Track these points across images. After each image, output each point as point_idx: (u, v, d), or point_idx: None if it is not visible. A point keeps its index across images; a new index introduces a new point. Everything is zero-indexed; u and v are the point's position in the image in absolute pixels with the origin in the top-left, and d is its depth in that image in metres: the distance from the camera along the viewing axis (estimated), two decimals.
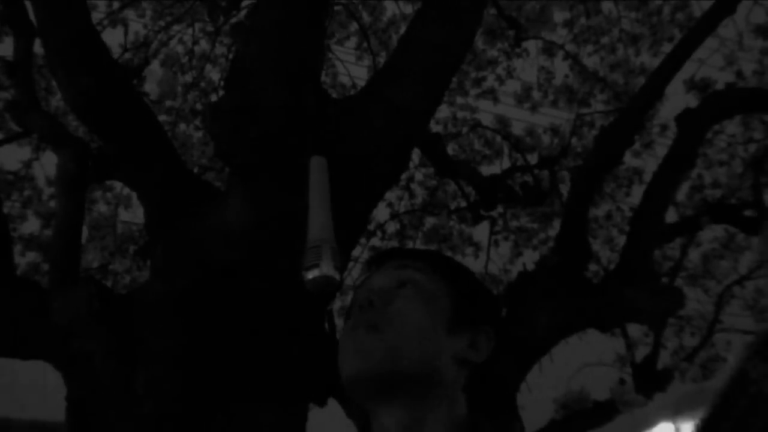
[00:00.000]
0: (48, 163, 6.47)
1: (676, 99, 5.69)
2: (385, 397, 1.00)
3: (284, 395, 2.63)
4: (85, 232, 5.40)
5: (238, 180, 2.64)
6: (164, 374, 2.51)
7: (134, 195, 6.54)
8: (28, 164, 6.52)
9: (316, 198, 2.24)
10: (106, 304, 2.64)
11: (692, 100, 5.95)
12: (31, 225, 6.58)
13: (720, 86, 6.15)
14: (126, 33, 6.08)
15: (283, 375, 2.61)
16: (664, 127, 6.69)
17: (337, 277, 2.11)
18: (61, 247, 3.21)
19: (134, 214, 6.87)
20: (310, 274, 2.00)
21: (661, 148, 6.45)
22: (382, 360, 0.98)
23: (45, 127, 3.75)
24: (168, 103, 6.41)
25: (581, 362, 6.54)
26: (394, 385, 0.99)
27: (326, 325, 3.23)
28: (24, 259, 6.31)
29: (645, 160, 6.80)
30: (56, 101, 6.33)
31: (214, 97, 6.77)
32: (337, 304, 5.86)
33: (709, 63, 6.47)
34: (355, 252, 4.43)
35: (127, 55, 6.17)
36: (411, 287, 1.07)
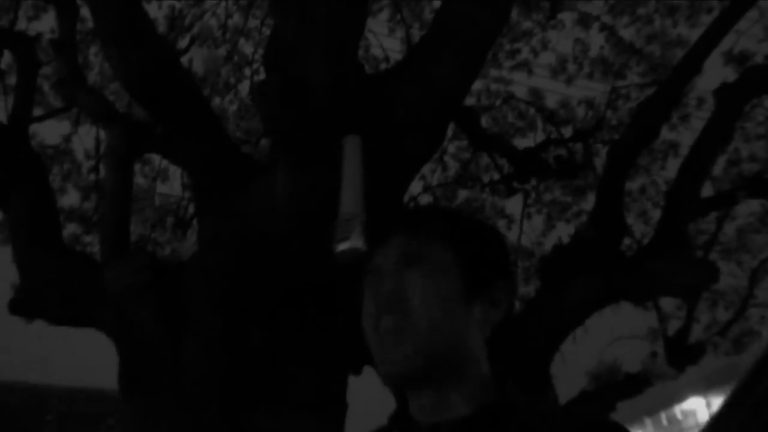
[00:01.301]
0: (86, 137, 6.62)
1: (714, 71, 5.63)
2: (420, 384, 1.06)
3: (326, 362, 2.72)
4: None
5: (283, 155, 2.71)
6: (212, 342, 2.61)
7: (171, 168, 6.71)
8: (67, 138, 6.67)
9: (349, 174, 2.31)
10: (157, 275, 2.75)
11: (730, 73, 5.89)
12: (71, 198, 6.74)
13: (759, 58, 6.08)
14: (171, 16, 6.15)
15: (325, 343, 2.70)
16: (701, 101, 6.62)
17: (366, 249, 2.17)
18: (112, 220, 3.32)
19: (171, 187, 7.01)
20: (341, 247, 2.08)
21: (698, 122, 6.41)
22: (415, 365, 1.04)
23: (92, 103, 3.84)
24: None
25: (614, 335, 6.57)
26: (426, 377, 1.05)
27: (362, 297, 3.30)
28: (65, 231, 6.46)
29: (681, 134, 6.75)
30: (93, 76, 6.44)
31: (247, 71, 6.85)
32: None
33: (748, 34, 6.38)
34: None
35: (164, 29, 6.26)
36: (420, 268, 1.07)
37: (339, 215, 2.06)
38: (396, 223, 1.17)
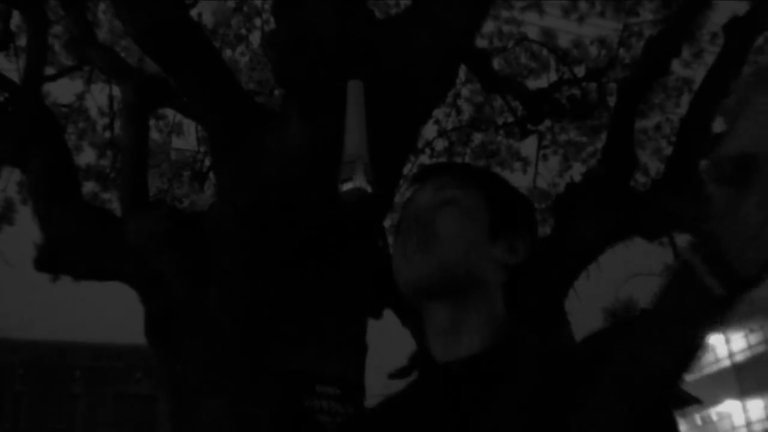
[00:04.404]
0: (99, 95, 6.63)
1: (728, 6, 5.54)
2: (435, 299, 1.14)
3: (346, 306, 2.79)
4: None
5: (294, 104, 2.74)
6: (235, 288, 2.68)
7: (186, 122, 6.73)
8: (80, 96, 6.68)
9: (352, 118, 2.39)
10: (178, 225, 2.82)
11: (743, 7, 5.80)
12: (88, 156, 6.78)
13: None
14: None
15: (345, 287, 2.77)
16: (714, 36, 6.51)
17: (369, 189, 2.27)
18: (130, 173, 3.38)
19: (186, 141, 7.04)
20: (345, 187, 2.17)
21: (712, 57, 6.30)
22: (433, 275, 1.12)
23: (105, 60, 3.87)
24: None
25: (630, 272, 6.60)
26: (443, 291, 1.13)
27: (379, 242, 3.37)
28: (84, 189, 6.52)
29: (695, 70, 6.67)
30: (103, 33, 6.42)
31: (258, 21, 6.81)
32: (387, 222, 5.98)
33: None
34: (405, 170, 4.51)
35: None
36: (452, 205, 1.17)
37: (343, 157, 2.14)
38: (431, 170, 1.28)
